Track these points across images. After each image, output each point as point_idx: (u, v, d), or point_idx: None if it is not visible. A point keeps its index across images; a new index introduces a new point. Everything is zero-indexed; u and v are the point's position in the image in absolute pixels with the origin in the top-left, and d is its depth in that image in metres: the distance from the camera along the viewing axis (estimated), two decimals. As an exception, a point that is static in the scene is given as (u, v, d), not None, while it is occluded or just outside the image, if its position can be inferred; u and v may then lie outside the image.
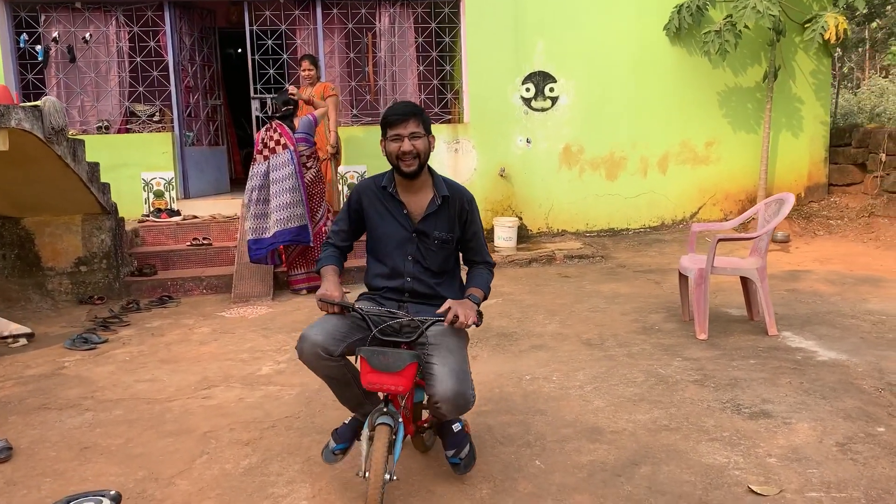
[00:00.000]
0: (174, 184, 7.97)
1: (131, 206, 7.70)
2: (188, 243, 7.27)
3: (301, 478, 3.10)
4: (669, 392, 3.83)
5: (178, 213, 7.70)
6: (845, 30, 7.69)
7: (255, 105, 8.23)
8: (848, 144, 9.38)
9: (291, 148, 6.33)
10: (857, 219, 8.61)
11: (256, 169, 6.32)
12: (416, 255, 2.87)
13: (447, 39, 8.53)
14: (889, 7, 10.62)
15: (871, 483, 2.79)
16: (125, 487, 3.06)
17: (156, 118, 8.35)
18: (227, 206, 8.00)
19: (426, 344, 2.64)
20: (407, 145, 2.73)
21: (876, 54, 14.35)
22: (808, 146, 9.25)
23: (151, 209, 7.85)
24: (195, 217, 7.71)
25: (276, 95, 6.77)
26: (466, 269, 3.05)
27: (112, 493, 2.79)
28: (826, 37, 7.62)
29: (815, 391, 3.75)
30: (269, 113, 8.30)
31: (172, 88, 8.07)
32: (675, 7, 8.53)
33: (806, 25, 8.06)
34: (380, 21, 8.35)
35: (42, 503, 2.90)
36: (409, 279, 2.87)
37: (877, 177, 8.86)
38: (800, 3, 8.61)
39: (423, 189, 2.88)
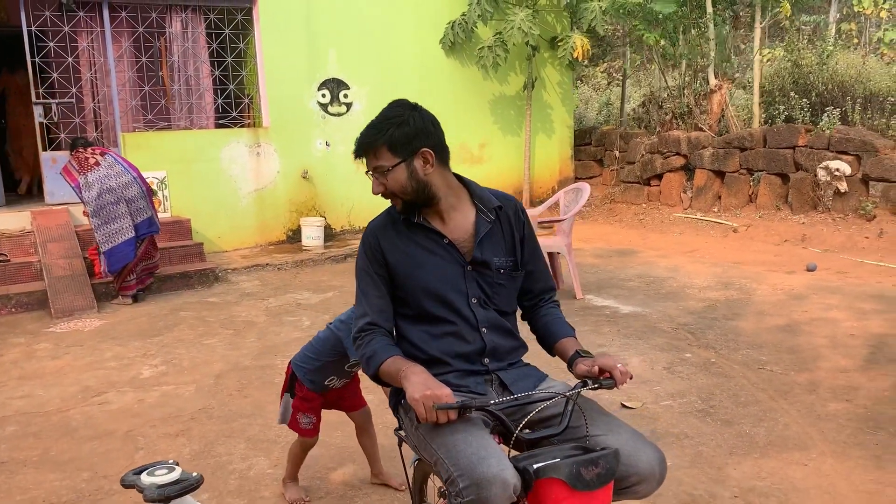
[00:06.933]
0: (-56, 197, 7.21)
1: None
2: (-22, 261, 6.68)
3: (253, 453, 3.40)
4: (526, 349, 4.65)
5: (-44, 229, 6.99)
6: (588, 49, 9.24)
7: (37, 111, 7.69)
8: (588, 143, 11.19)
9: (110, 152, 6.35)
10: (602, 205, 10.32)
11: (93, 177, 6.13)
12: (479, 295, 2.08)
13: (241, 45, 8.68)
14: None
15: (699, 390, 3.83)
16: (77, 489, 3.13)
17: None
18: (14, 219, 7.40)
19: (572, 427, 1.89)
20: (375, 186, 2.08)
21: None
22: (559, 146, 10.83)
23: (-81, 226, 7.03)
24: (-22, 233, 7.05)
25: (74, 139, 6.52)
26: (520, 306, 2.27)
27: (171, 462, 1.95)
28: (575, 55, 9.10)
29: (631, 335, 4.82)
30: (55, 119, 7.84)
31: (-66, 92, 7.27)
32: (449, 23, 9.53)
33: (559, 44, 9.51)
34: (171, 26, 8.25)
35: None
36: (484, 330, 2.07)
37: (613, 170, 10.70)
38: (547, 23, 10.09)
39: (458, 208, 2.12)
